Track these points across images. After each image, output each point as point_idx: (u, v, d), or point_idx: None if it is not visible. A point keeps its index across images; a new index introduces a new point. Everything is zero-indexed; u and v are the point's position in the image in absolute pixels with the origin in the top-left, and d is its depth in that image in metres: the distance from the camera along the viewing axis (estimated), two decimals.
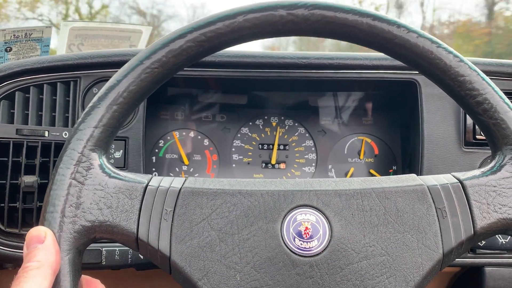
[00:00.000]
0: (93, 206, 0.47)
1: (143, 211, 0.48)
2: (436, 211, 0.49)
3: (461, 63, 0.50)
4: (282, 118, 0.99)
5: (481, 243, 0.69)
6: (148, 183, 0.49)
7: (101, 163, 0.48)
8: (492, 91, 0.50)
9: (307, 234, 0.48)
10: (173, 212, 0.48)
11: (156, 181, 0.50)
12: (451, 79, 0.50)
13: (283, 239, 0.48)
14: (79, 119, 0.49)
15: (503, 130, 0.50)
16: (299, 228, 0.48)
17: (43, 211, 0.46)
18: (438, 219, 0.48)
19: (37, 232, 0.44)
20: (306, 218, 0.49)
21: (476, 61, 0.83)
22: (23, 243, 0.73)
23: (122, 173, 0.50)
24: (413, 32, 0.50)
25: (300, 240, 0.48)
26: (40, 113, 0.77)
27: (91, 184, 0.47)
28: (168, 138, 0.96)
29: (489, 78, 0.51)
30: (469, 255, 0.77)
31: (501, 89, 0.52)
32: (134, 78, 0.49)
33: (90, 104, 0.49)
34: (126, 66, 0.50)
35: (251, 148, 0.97)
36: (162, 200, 0.48)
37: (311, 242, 0.48)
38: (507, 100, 0.50)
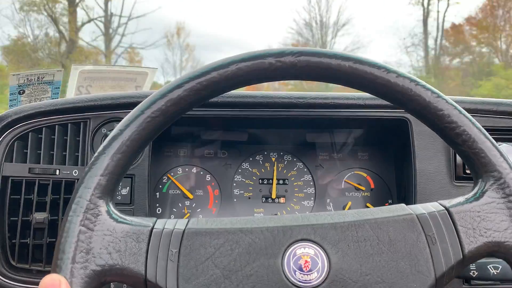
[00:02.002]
0: (102, 250, 0.49)
1: (150, 253, 0.50)
2: (426, 238, 0.51)
3: (439, 99, 0.54)
4: (281, 153, 1.03)
5: (474, 274, 0.71)
6: (153, 226, 0.52)
7: (108, 210, 0.51)
8: (469, 123, 0.54)
9: (307, 267, 0.50)
10: (179, 253, 0.50)
11: (161, 223, 0.53)
12: (430, 113, 0.54)
13: (284, 273, 0.50)
14: (86, 168, 0.52)
15: (482, 159, 0.53)
16: (299, 262, 0.50)
17: (55, 258, 0.48)
18: (429, 246, 0.51)
19: (51, 280, 0.45)
20: (305, 251, 0.51)
21: (455, 99, 0.87)
22: (33, 278, 0.77)
23: (129, 218, 0.52)
24: (392, 72, 0.54)
25: (300, 273, 0.50)
26: (51, 152, 0.81)
27: (100, 230, 0.50)
28: (172, 174, 0.99)
29: (471, 115, 0.55)
30: (463, 286, 0.80)
31: (483, 126, 0.55)
32: (136, 127, 0.52)
33: (96, 154, 0.52)
34: (128, 116, 0.54)
35: (252, 183, 1.01)
36: (167, 242, 0.51)
37: (311, 275, 0.50)
38: (483, 131, 0.54)
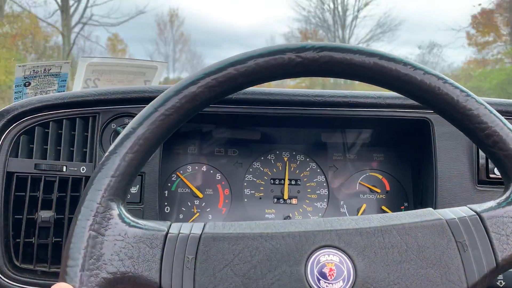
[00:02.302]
0: (114, 257, 0.46)
1: (164, 260, 0.47)
2: (457, 245, 0.49)
3: (468, 98, 0.51)
4: (294, 153, 1.00)
5: (501, 284, 0.68)
6: (168, 230, 0.49)
7: (120, 213, 0.48)
8: (500, 123, 0.51)
9: (332, 275, 0.48)
10: (195, 259, 0.48)
11: (176, 228, 0.50)
12: (459, 113, 0.51)
13: (308, 282, 0.47)
14: (96, 169, 0.49)
15: None
16: (323, 270, 0.48)
17: (63, 265, 0.45)
18: (460, 253, 0.48)
19: None
20: (330, 259, 0.49)
21: (485, 100, 0.85)
22: (38, 279, 0.73)
23: (142, 222, 0.49)
24: (419, 70, 0.51)
25: (325, 282, 0.48)
26: (58, 148, 0.78)
27: (111, 234, 0.47)
28: (181, 172, 0.96)
29: (505, 118, 0.53)
30: None
31: None
32: (149, 126, 0.49)
33: (106, 154, 0.49)
34: (141, 113, 0.51)
35: (263, 183, 0.98)
36: (183, 247, 0.48)
37: (336, 284, 0.48)
38: None
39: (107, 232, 0.47)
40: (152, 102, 0.51)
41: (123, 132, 0.50)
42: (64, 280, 0.44)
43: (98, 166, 0.49)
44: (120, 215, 0.48)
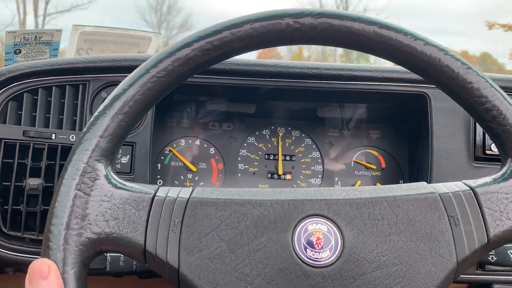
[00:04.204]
0: (99, 217, 0.46)
1: (150, 223, 0.47)
2: (449, 219, 0.48)
3: (469, 70, 0.50)
4: (289, 128, 0.98)
5: (492, 259, 0.68)
6: (155, 193, 0.49)
7: (107, 174, 0.48)
8: (501, 97, 0.50)
9: (318, 244, 0.47)
10: (181, 223, 0.47)
11: (163, 191, 0.49)
12: (459, 86, 0.50)
13: (294, 250, 0.47)
14: (84, 129, 0.48)
15: None
16: (310, 238, 0.47)
17: (48, 223, 0.44)
18: (451, 227, 0.48)
19: (40, 266, 0.41)
20: (318, 228, 0.48)
21: (492, 76, 0.83)
22: (25, 246, 0.73)
23: (129, 184, 0.49)
24: (420, 40, 0.50)
25: (312, 251, 0.47)
26: (47, 115, 0.77)
27: (97, 195, 0.46)
28: (174, 145, 0.95)
29: (507, 94, 0.51)
30: (477, 271, 0.76)
31: None
32: (140, 87, 0.48)
33: (96, 114, 0.48)
34: (132, 75, 0.50)
35: (257, 158, 0.97)
36: (170, 210, 0.47)
37: (323, 253, 0.47)
38: None
39: (93, 192, 0.46)
40: (144, 63, 0.50)
41: (113, 93, 0.49)
42: (48, 239, 0.43)
43: (87, 126, 0.48)
44: (107, 176, 0.47)
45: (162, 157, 0.94)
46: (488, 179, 0.51)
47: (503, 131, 0.50)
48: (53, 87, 0.77)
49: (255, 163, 0.97)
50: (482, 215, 0.48)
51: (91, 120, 0.48)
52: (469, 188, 0.50)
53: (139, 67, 0.50)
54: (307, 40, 0.51)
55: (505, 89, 0.82)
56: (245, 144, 0.97)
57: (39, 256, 0.44)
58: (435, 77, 0.51)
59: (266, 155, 0.97)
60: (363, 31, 0.49)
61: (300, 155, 0.97)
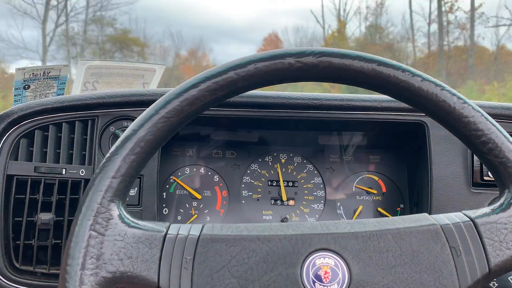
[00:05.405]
0: (113, 257, 0.47)
1: (163, 260, 0.48)
2: (451, 250, 0.49)
3: (465, 105, 0.52)
4: (291, 155, 1.01)
5: (494, 285, 0.69)
6: (167, 231, 0.50)
7: (120, 213, 0.49)
8: (496, 131, 0.52)
9: (327, 278, 0.48)
10: (193, 260, 0.48)
11: (175, 228, 0.50)
12: (455, 120, 0.52)
13: (303, 284, 0.48)
14: (97, 170, 0.49)
15: (509, 169, 0.51)
16: (318, 273, 0.49)
17: (63, 263, 0.46)
18: (453, 258, 0.49)
19: None
20: (325, 262, 0.49)
21: (481, 104, 0.86)
22: (37, 281, 0.74)
23: (141, 223, 0.50)
24: (417, 76, 0.52)
25: (320, 285, 0.48)
26: (58, 151, 0.79)
27: (111, 235, 0.47)
28: (179, 174, 0.97)
29: (496, 120, 0.53)
30: None
31: (507, 131, 0.54)
32: (150, 128, 0.50)
33: (107, 155, 0.50)
34: (142, 116, 0.51)
35: (261, 184, 0.99)
36: (181, 248, 0.48)
37: (331, 286, 0.48)
38: (511, 139, 0.52)
39: (107, 232, 0.47)
40: (153, 104, 0.52)
41: (124, 134, 0.51)
42: (65, 279, 0.45)
43: (100, 167, 0.49)
44: (120, 216, 0.49)
45: (167, 186, 0.96)
46: (487, 209, 0.52)
47: (499, 163, 0.52)
48: (63, 123, 0.79)
49: (259, 189, 0.98)
50: (483, 246, 0.49)
51: (103, 161, 0.50)
52: (469, 219, 0.51)
53: (149, 107, 0.52)
54: (308, 78, 0.54)
55: (500, 116, 0.85)
56: (248, 171, 0.99)
57: None
58: (433, 111, 0.53)
59: (269, 182, 0.99)
60: (362, 68, 0.52)
61: (303, 181, 0.99)
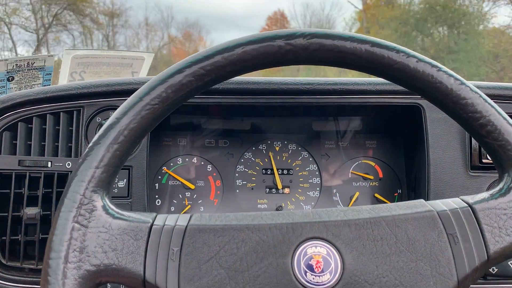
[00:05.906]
0: (97, 249, 0.45)
1: (149, 252, 0.46)
2: (448, 237, 0.48)
3: (463, 86, 0.50)
4: (285, 142, 0.99)
5: (493, 270, 0.68)
6: (153, 222, 0.48)
7: (104, 204, 0.47)
8: (495, 112, 0.50)
9: (318, 268, 0.47)
10: (180, 252, 0.47)
11: (161, 219, 0.49)
12: (453, 102, 0.50)
13: (294, 274, 0.47)
14: (80, 160, 0.48)
15: (509, 152, 0.49)
16: (310, 262, 0.47)
17: (46, 257, 0.44)
18: (450, 246, 0.47)
19: None
20: (317, 251, 0.48)
21: (479, 85, 0.83)
22: (25, 276, 0.73)
23: (126, 213, 0.48)
24: (412, 57, 0.50)
25: (312, 275, 0.47)
26: (42, 143, 0.77)
27: (94, 226, 0.46)
28: (171, 164, 0.95)
29: (494, 101, 0.51)
30: (479, 281, 0.76)
31: (506, 112, 0.52)
32: (134, 116, 0.48)
33: (90, 144, 0.48)
34: (125, 103, 0.49)
35: (255, 173, 0.97)
36: (168, 239, 0.47)
37: (323, 276, 0.47)
38: (510, 121, 0.50)
39: (91, 224, 0.46)
40: (137, 91, 0.50)
41: (107, 122, 0.49)
42: (47, 273, 0.43)
43: (82, 157, 0.48)
44: (104, 207, 0.47)
45: (159, 177, 0.94)
46: (485, 194, 0.50)
47: (498, 146, 0.50)
48: (47, 115, 0.77)
49: (253, 178, 0.96)
50: (481, 232, 0.48)
51: (85, 151, 0.48)
52: (467, 205, 0.49)
53: (132, 95, 0.49)
54: (299, 61, 0.51)
55: (499, 97, 0.82)
56: (242, 160, 0.97)
57: (39, 286, 0.44)
58: (429, 93, 0.51)
59: (263, 170, 0.97)
60: (355, 50, 0.49)
61: (298, 168, 0.97)
